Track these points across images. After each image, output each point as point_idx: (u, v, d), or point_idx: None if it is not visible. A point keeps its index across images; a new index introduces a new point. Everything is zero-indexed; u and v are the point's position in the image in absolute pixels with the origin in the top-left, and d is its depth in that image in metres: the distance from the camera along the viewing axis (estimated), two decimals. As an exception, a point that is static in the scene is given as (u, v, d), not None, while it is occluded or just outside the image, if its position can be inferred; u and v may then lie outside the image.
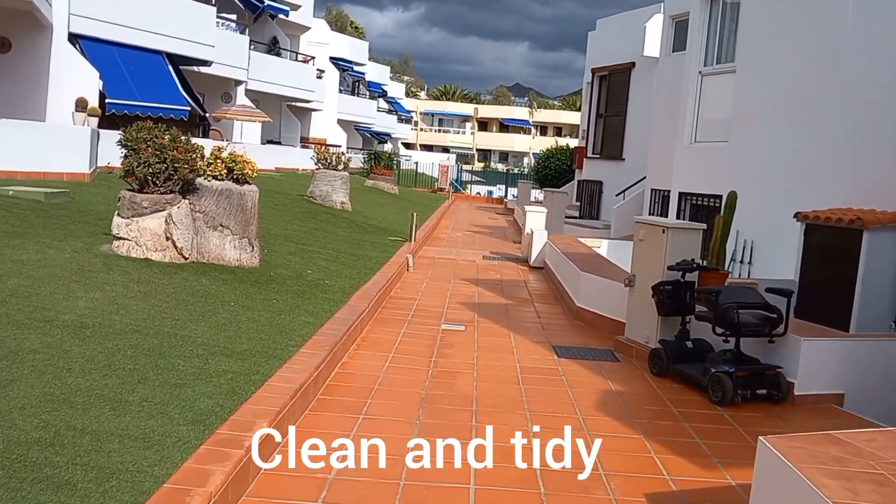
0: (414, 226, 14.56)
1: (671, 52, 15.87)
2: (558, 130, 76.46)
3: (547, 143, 62.37)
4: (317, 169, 17.55)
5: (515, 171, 53.85)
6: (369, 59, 56.65)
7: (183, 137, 8.81)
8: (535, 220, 14.05)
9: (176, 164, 8.50)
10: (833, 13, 9.93)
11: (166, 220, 8.40)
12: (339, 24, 65.55)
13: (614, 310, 8.44)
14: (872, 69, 9.32)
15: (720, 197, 12.02)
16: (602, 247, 14.45)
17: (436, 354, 7.11)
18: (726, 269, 7.39)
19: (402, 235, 15.18)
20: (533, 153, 71.94)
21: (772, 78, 10.94)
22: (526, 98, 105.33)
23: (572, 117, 78.07)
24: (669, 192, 15.33)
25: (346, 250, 11.99)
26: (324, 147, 22.42)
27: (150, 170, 8.34)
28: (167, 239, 8.43)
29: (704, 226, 7.28)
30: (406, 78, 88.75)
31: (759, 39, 11.21)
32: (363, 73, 52.69)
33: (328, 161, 17.37)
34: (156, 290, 7.12)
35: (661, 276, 7.02)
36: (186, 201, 8.70)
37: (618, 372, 6.89)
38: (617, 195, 17.93)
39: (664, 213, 15.59)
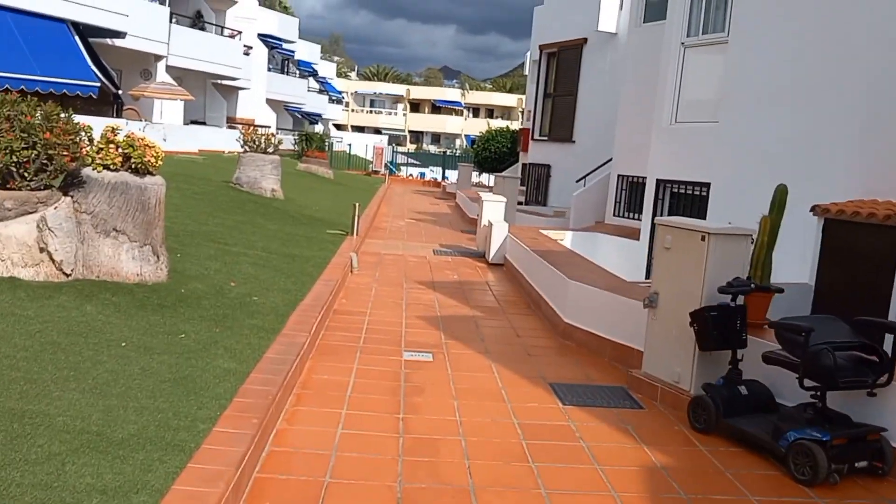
0: (356, 217, 12.50)
1: (641, 22, 14.13)
2: (490, 112, 74.50)
3: (479, 124, 60.48)
4: (243, 152, 15.21)
5: (450, 152, 51.85)
6: (299, 38, 53.54)
7: (63, 115, 6.55)
8: (493, 210, 12.17)
9: (51, 151, 6.26)
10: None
11: (38, 226, 6.16)
12: (268, 3, 61.90)
13: (617, 330, 6.63)
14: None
15: (707, 185, 10.36)
16: (566, 239, 12.70)
17: (403, 407, 5.15)
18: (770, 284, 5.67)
19: (342, 227, 13.11)
20: (465, 135, 70.05)
21: (772, 49, 9.27)
22: (455, 80, 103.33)
23: (504, 99, 76.49)
24: (640, 178, 13.65)
25: (279, 249, 9.86)
26: (252, 128, 19.98)
27: (14, 158, 6.08)
28: (41, 250, 6.20)
29: (754, 231, 5.50)
30: (336, 58, 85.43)
31: (758, 5, 9.51)
32: (293, 52, 49.68)
33: (256, 143, 15.05)
34: (13, 327, 4.93)
35: (701, 298, 5.21)
36: (68, 199, 6.47)
37: (648, 427, 5.06)
38: (577, 181, 16.22)
39: (633, 202, 13.93)
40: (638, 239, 11.78)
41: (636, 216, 13.71)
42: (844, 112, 8.40)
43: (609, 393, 5.74)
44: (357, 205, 12.64)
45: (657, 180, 11.33)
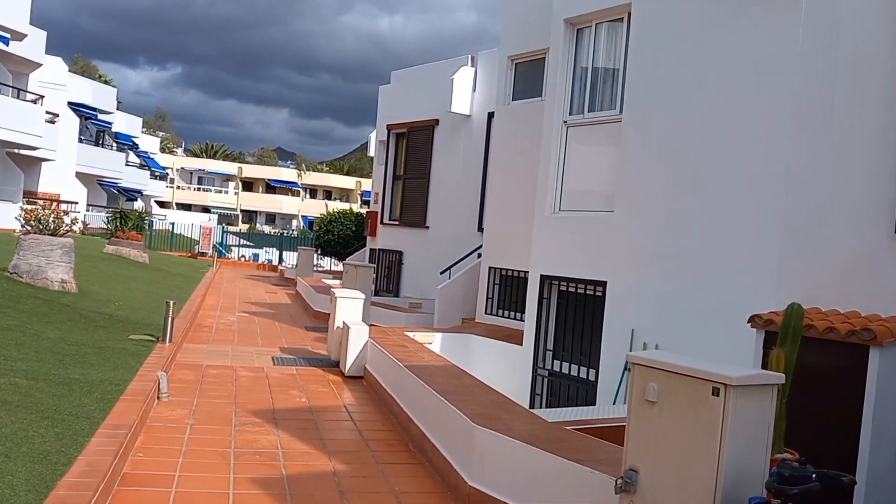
0: (170, 318, 9.76)
1: (510, 100, 12.74)
2: (328, 194, 72.44)
3: (317, 205, 58.22)
4: (24, 233, 12.00)
5: (287, 233, 48.91)
6: (119, 110, 49.30)
7: None
8: (349, 309, 9.90)
9: None
10: (780, 30, 7.09)
11: None
12: (86, 74, 57.01)
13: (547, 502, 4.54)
14: (846, 104, 6.50)
15: (604, 284, 8.75)
16: (435, 342, 10.65)
17: None
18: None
19: (153, 330, 10.28)
20: (303, 215, 67.29)
21: (679, 128, 7.94)
22: (290, 161, 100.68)
23: (343, 181, 74.88)
24: (517, 272, 11.98)
25: (51, 372, 6.99)
26: (48, 202, 16.61)
27: None
28: None
29: (783, 376, 3.65)
30: (162, 133, 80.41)
31: (660, 77, 8.22)
32: (110, 123, 45.46)
33: (42, 222, 11.92)
34: None
35: (716, 490, 3.26)
36: None
37: None
38: (442, 273, 14.35)
39: (509, 299, 12.20)
40: (520, 343, 9.95)
41: (513, 315, 11.98)
42: (770, 206, 7.09)
43: None
44: (172, 302, 9.90)
45: (541, 276, 9.62)
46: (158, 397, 7.47)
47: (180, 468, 5.55)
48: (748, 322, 6.53)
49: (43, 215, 11.80)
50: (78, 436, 5.25)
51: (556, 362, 9.53)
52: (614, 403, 8.00)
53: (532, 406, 9.40)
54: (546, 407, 9.36)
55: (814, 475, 3.10)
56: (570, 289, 9.37)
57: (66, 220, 12.31)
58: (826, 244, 6.66)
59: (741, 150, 7.34)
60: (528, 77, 12.31)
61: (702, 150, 7.69)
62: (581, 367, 9.14)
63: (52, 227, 11.81)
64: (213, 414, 7.19)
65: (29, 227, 11.81)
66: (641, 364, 3.68)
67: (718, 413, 3.31)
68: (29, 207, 12.40)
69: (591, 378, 8.87)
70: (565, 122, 9.58)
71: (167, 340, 9.63)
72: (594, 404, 8.42)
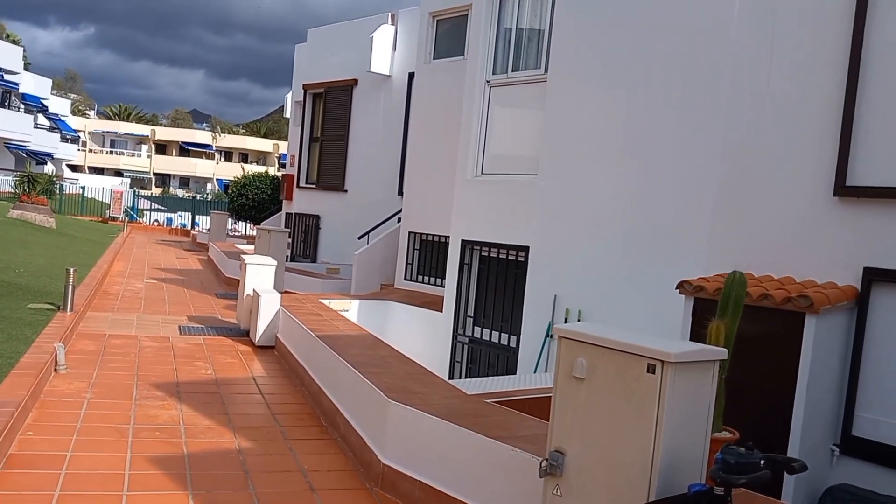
0: (72, 286, 8.94)
1: (431, 58, 12.17)
2: (244, 157, 69.91)
3: (233, 168, 56.06)
4: None
5: (201, 197, 46.97)
6: (27, 71, 46.00)
7: None
8: (260, 275, 9.28)
9: None
10: None
11: None
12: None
13: (474, 488, 4.18)
14: (789, 63, 6.29)
15: (527, 249, 8.44)
16: (352, 309, 10.15)
17: None
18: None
19: (55, 298, 9.43)
20: (218, 179, 64.90)
21: (606, 89, 7.61)
22: (205, 124, 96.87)
23: (260, 144, 72.38)
24: (437, 237, 11.56)
25: (-72, 347, 6.20)
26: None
27: None
28: None
29: (725, 352, 3.33)
30: (73, 96, 75.72)
31: (588, 37, 7.85)
32: (17, 84, 42.45)
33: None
34: None
35: (651, 474, 2.95)
36: None
37: None
38: (360, 238, 13.77)
39: (429, 264, 11.77)
40: (440, 310, 9.58)
41: (434, 280, 11.59)
42: (703, 170, 6.85)
43: None
44: (73, 269, 9.06)
45: (462, 241, 9.24)
46: (55, 370, 6.77)
47: (73, 447, 4.95)
48: (676, 288, 6.28)
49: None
50: (-55, 420, 4.57)
51: (477, 329, 9.21)
52: (535, 372, 7.75)
53: (452, 374, 9.09)
54: (466, 375, 9.06)
55: (762, 461, 2.80)
56: (492, 254, 9.02)
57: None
58: (761, 208, 6.37)
59: (675, 113, 7.00)
60: (450, 35, 11.77)
61: (632, 112, 7.35)
62: (502, 334, 8.85)
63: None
64: (113, 387, 6.54)
65: None
66: (569, 337, 3.31)
67: (654, 392, 2.99)
68: None
69: (513, 345, 8.59)
70: (488, 81, 9.14)
71: (68, 309, 8.82)
72: (515, 372, 8.16)
